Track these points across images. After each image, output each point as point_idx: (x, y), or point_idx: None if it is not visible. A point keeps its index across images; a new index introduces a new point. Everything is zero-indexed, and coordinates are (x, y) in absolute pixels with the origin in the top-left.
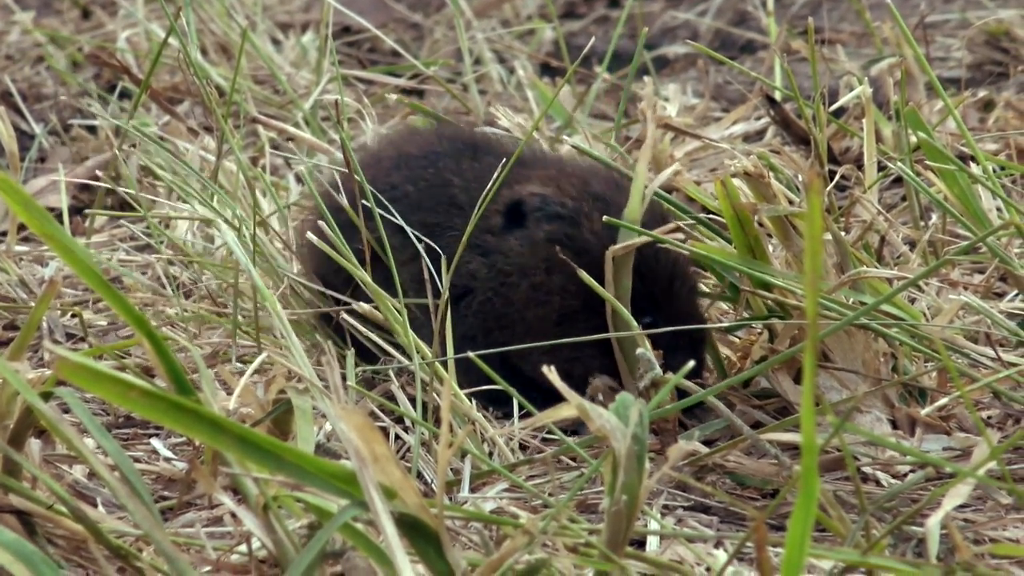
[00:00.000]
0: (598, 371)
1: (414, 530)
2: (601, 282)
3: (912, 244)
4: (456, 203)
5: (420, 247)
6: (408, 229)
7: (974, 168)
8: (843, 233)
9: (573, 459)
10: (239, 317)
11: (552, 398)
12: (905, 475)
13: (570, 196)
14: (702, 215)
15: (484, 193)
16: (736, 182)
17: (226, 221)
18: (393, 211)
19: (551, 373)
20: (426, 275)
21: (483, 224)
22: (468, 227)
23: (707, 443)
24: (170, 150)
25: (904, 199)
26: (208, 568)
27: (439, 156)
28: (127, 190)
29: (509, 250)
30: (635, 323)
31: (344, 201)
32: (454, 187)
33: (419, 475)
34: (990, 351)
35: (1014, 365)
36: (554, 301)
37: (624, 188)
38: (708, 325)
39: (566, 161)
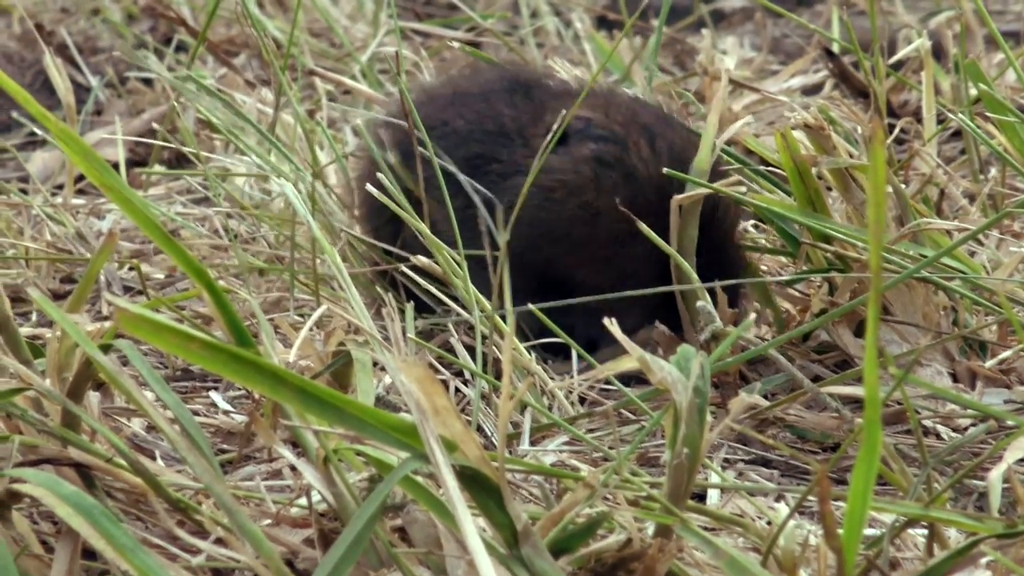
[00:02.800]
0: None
1: (475, 483)
2: (649, 208)
3: (972, 197)
4: (504, 133)
5: (473, 190)
6: (451, 167)
7: None
8: (903, 186)
9: (633, 412)
10: (296, 268)
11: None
12: (966, 429)
13: (617, 122)
14: (761, 167)
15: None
16: (796, 134)
17: (283, 174)
18: (441, 154)
19: (613, 326)
20: (483, 227)
21: (527, 151)
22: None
23: (767, 397)
24: (228, 101)
25: (963, 152)
26: (268, 521)
27: (492, 92)
28: (183, 146)
29: (551, 167)
30: (695, 275)
31: (388, 153)
32: (503, 118)
33: (479, 428)
34: None
35: None
36: (602, 222)
37: (672, 122)
38: (748, 279)
39: (616, 93)
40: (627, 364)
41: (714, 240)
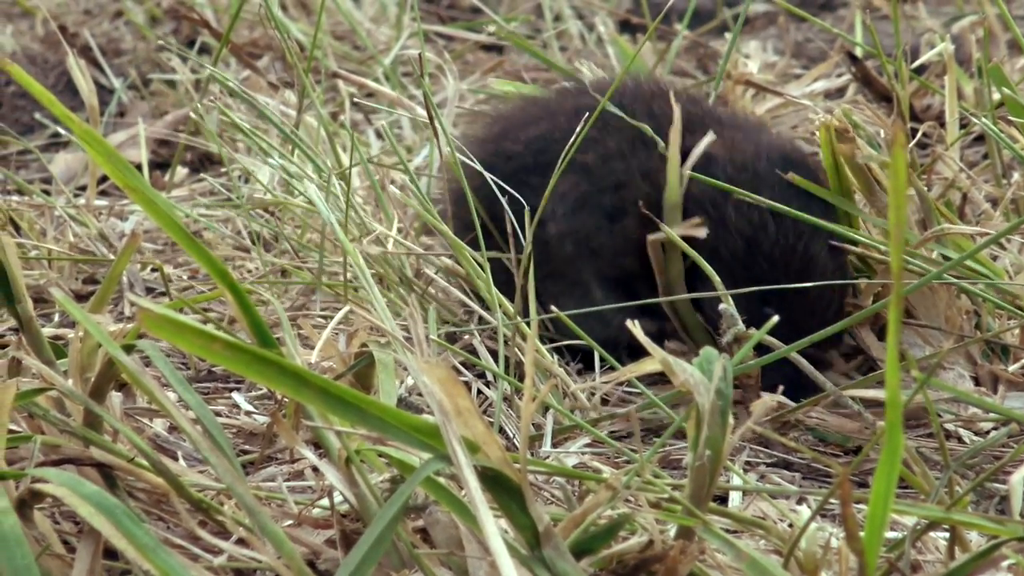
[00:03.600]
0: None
1: (497, 485)
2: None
3: (994, 202)
4: (641, 138)
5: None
6: (486, 174)
7: None
8: (926, 189)
9: (655, 414)
10: (315, 271)
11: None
12: (988, 432)
13: (737, 163)
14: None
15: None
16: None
17: (306, 175)
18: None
19: (635, 328)
20: (508, 230)
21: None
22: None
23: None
24: (251, 99)
25: (986, 156)
26: (289, 522)
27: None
28: (207, 147)
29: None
30: (717, 278)
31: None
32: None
33: (501, 430)
34: None
35: None
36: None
37: (792, 156)
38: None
39: (740, 119)
40: (650, 366)
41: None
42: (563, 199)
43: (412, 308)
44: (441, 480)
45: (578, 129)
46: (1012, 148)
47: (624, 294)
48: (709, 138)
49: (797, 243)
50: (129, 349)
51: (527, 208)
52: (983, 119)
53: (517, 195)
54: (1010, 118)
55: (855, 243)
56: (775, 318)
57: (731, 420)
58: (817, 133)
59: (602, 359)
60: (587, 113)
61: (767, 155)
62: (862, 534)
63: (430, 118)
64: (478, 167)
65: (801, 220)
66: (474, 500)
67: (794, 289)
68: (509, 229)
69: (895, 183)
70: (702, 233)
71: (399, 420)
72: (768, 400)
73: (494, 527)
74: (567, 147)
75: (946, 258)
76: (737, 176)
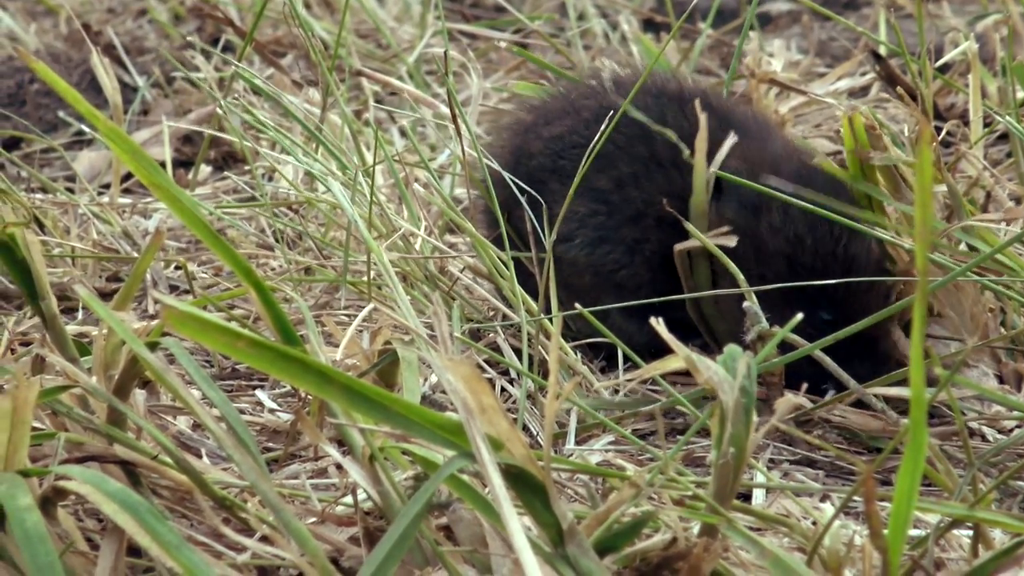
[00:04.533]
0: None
1: (520, 482)
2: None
3: (1018, 200)
4: (657, 159)
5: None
6: (513, 183)
7: None
8: (954, 183)
9: (679, 412)
10: (338, 269)
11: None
12: (1011, 430)
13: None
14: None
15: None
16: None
17: (331, 173)
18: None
19: (659, 325)
20: (528, 228)
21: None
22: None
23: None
24: (276, 96)
25: (1010, 155)
26: (313, 519)
27: (644, 109)
28: (231, 144)
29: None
30: (742, 276)
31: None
32: (657, 144)
33: (525, 428)
34: None
35: None
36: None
37: (814, 176)
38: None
39: (766, 129)
40: (673, 364)
41: (856, 301)
42: (582, 225)
43: (436, 306)
44: (465, 477)
45: (595, 140)
46: None
47: (643, 321)
48: (731, 140)
49: (836, 248)
50: (153, 346)
51: (545, 210)
52: (1007, 117)
53: (537, 196)
54: None
55: (880, 240)
56: (799, 316)
57: (755, 418)
58: (841, 131)
59: (626, 357)
60: (610, 113)
61: (783, 168)
62: (886, 532)
63: (453, 116)
64: (497, 167)
65: (836, 221)
66: (498, 497)
67: (836, 287)
68: (529, 228)
69: (921, 179)
70: (731, 242)
71: (423, 417)
72: (792, 398)
73: (518, 524)
74: (584, 161)
75: (973, 250)
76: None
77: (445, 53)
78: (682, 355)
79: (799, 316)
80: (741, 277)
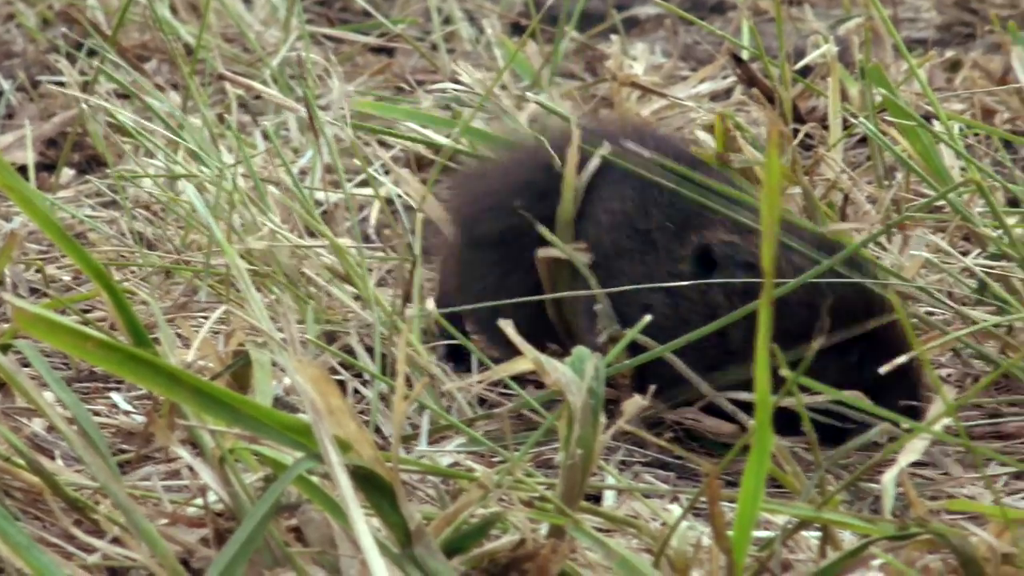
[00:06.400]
0: None
1: (369, 483)
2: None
3: (875, 203)
4: (650, 239)
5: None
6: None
7: (937, 127)
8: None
9: (534, 414)
10: (203, 270)
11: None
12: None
13: (755, 244)
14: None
15: None
16: (702, 136)
17: (190, 175)
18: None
19: (508, 327)
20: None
21: (669, 265)
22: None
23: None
24: (136, 96)
25: (869, 158)
26: (164, 520)
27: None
28: (93, 150)
29: (699, 296)
30: (595, 282)
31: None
32: (652, 220)
33: (378, 430)
34: (950, 306)
35: (974, 323)
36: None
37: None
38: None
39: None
40: (522, 365)
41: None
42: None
43: (284, 307)
44: (314, 479)
45: None
46: (890, 148)
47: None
48: (604, 150)
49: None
50: (6, 348)
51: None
52: (863, 120)
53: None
54: (890, 119)
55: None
56: (648, 318)
57: (603, 419)
58: (698, 133)
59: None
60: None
61: None
62: (731, 533)
63: (311, 120)
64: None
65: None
66: (345, 498)
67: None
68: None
69: (769, 181)
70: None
71: (271, 419)
72: (639, 400)
73: (364, 525)
74: None
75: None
76: None
77: (300, 56)
78: (530, 357)
79: (647, 318)
80: (594, 281)
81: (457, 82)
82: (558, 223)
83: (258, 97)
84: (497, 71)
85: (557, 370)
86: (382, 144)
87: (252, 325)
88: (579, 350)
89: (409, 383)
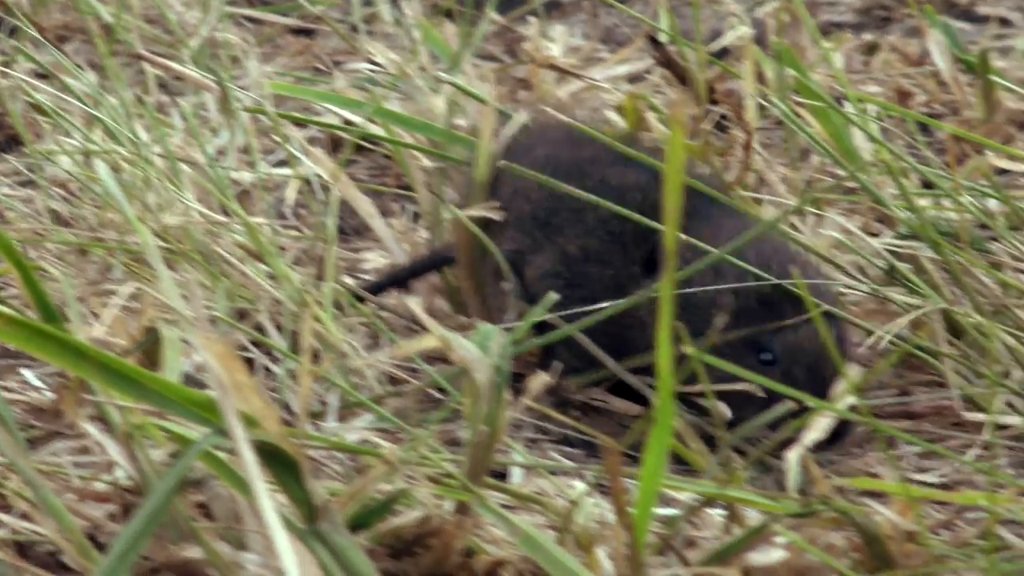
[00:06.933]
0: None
1: (275, 459)
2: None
3: (791, 185)
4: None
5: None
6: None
7: (851, 110)
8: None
9: (443, 393)
10: (116, 248)
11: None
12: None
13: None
14: None
15: None
16: (615, 117)
17: (105, 153)
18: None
19: (415, 306)
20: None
21: (627, 272)
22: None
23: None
24: (53, 75)
25: (786, 141)
26: (72, 496)
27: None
28: (10, 130)
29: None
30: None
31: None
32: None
33: (288, 409)
34: (862, 286)
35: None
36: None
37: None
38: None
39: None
40: (428, 342)
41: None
42: None
43: (192, 284)
44: (221, 455)
45: None
46: (801, 129)
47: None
48: (522, 118)
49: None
50: None
51: None
52: (776, 101)
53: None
54: (803, 101)
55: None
56: (555, 296)
57: (509, 397)
58: (608, 114)
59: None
60: None
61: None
62: (633, 511)
63: (224, 100)
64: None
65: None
66: (249, 473)
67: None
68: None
69: (673, 160)
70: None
71: (178, 395)
72: (544, 377)
73: (268, 500)
74: None
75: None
76: None
77: (214, 36)
78: (436, 333)
79: (553, 296)
80: (500, 255)
81: (373, 63)
82: (468, 186)
83: (179, 78)
84: (415, 52)
85: (463, 347)
86: (299, 125)
87: (164, 303)
88: (484, 327)
89: (319, 360)
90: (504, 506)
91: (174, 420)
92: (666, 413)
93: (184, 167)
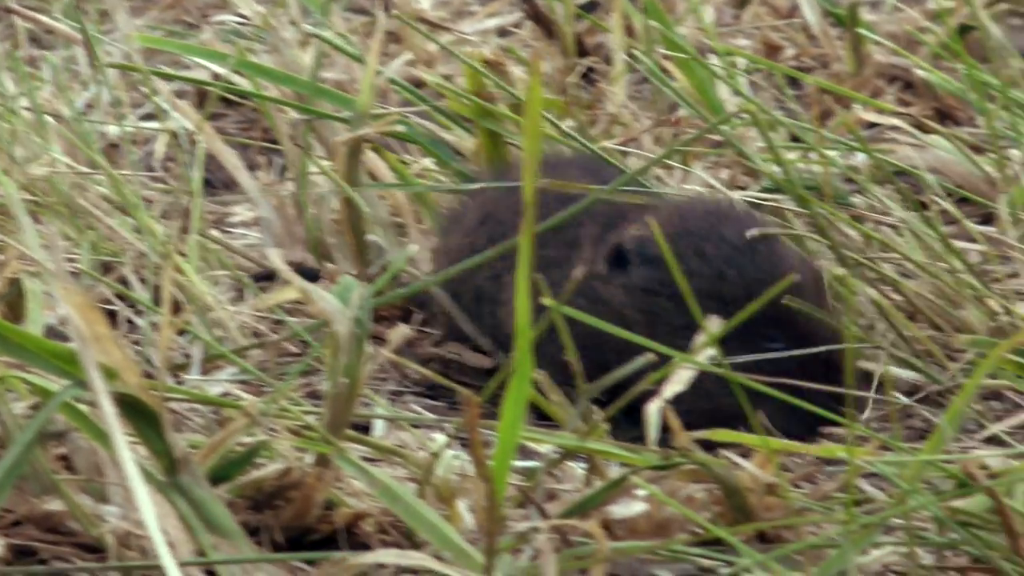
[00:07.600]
0: None
1: (135, 411)
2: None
3: (659, 139)
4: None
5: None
6: None
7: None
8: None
9: (306, 344)
10: None
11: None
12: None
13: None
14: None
15: None
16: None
17: None
18: None
19: (276, 259)
20: None
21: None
22: None
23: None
24: None
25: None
26: None
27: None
28: None
29: (611, 298)
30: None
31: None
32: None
33: (151, 362)
34: None
35: None
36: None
37: (727, 218)
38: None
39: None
40: (288, 294)
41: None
42: None
43: (54, 236)
44: (83, 408)
45: None
46: (666, 83)
47: None
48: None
49: (765, 271)
50: None
51: None
52: (641, 55)
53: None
54: (669, 54)
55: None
56: (415, 247)
57: (369, 349)
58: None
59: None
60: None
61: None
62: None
63: (90, 54)
64: None
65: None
66: (109, 425)
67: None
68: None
69: (530, 115)
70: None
71: (39, 347)
72: (404, 329)
73: (127, 453)
74: None
75: None
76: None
77: None
78: (296, 285)
79: (414, 248)
80: (367, 211)
81: (240, 16)
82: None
83: (49, 31)
84: (283, 4)
85: (324, 299)
86: (167, 79)
87: (28, 255)
88: (345, 279)
89: (181, 313)
90: (365, 459)
91: (36, 372)
92: (524, 365)
93: (51, 120)
